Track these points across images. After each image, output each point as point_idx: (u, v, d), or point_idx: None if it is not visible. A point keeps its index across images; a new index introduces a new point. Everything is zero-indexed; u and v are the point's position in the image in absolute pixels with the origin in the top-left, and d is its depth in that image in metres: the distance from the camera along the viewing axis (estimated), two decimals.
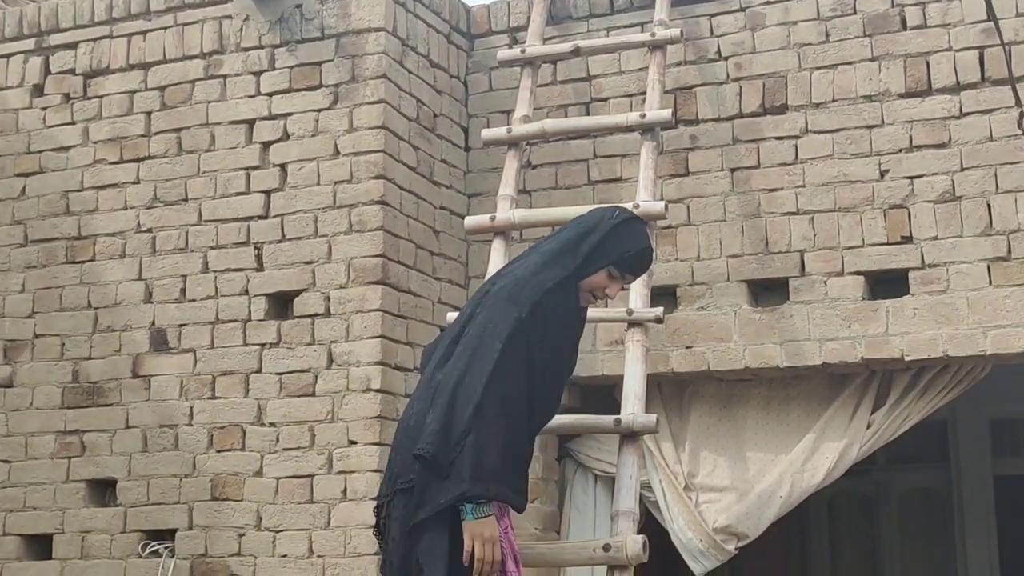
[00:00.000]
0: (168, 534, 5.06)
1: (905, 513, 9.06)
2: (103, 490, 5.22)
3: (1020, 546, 8.88)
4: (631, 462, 4.05)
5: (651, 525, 5.48)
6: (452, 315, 4.70)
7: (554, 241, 3.76)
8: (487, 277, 4.60)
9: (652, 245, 3.91)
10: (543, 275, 3.61)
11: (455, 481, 3.28)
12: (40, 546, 5.25)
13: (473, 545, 3.28)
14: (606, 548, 3.81)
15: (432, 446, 3.27)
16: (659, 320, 4.42)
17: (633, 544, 3.78)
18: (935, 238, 4.87)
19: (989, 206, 4.82)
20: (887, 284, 4.95)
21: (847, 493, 9.19)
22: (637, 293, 4.47)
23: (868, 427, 5.11)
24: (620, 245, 3.72)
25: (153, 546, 5.05)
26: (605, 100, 5.49)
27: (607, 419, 4.09)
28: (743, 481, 5.22)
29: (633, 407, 4.14)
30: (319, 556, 4.80)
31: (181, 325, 5.18)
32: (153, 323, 5.23)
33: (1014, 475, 8.80)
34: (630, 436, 4.09)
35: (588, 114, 5.48)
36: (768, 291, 5.15)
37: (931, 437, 8.83)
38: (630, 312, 4.38)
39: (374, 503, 3.58)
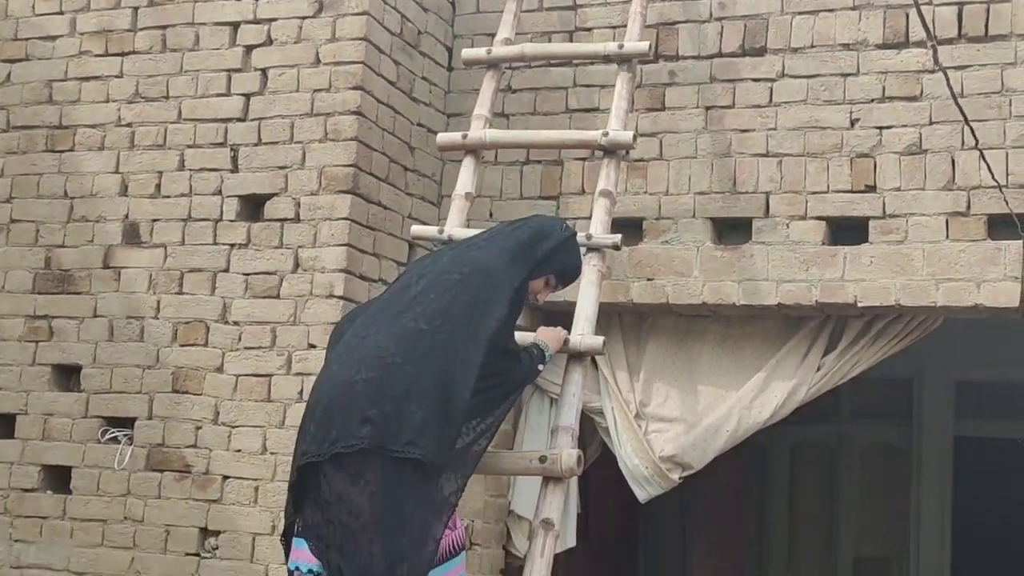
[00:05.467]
0: (128, 422, 5.17)
1: (865, 466, 9.22)
2: (68, 375, 5.34)
3: (973, 505, 9.07)
4: (576, 380, 4.18)
5: (608, 453, 5.63)
6: (417, 228, 4.83)
7: (511, 238, 3.94)
8: (454, 194, 4.70)
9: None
10: (511, 271, 3.81)
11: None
12: (3, 425, 5.38)
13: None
14: (542, 459, 3.94)
15: (432, 452, 3.39)
16: (616, 247, 4.51)
17: (568, 458, 3.91)
18: (898, 189, 4.94)
19: (953, 161, 4.88)
20: (847, 231, 5.03)
21: (810, 442, 9.36)
22: (597, 220, 4.57)
23: (818, 370, 5.21)
24: (565, 258, 4.07)
25: (112, 433, 5.17)
26: (589, 30, 5.53)
27: None
28: (692, 413, 5.33)
29: (583, 328, 4.25)
30: (272, 453, 4.92)
31: (154, 220, 5.27)
32: (127, 216, 5.31)
33: (974, 436, 8.96)
34: (577, 356, 4.21)
35: (571, 42, 5.53)
36: (732, 230, 5.24)
37: (896, 394, 9.00)
38: (589, 237, 4.46)
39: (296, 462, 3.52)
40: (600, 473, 5.99)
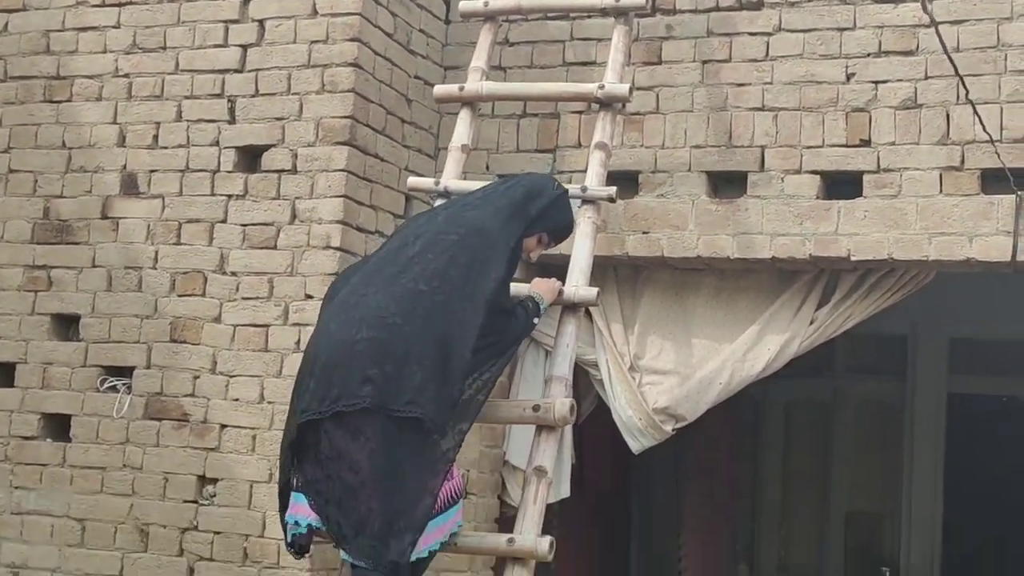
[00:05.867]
0: (126, 371, 5.22)
1: (859, 421, 9.30)
2: (67, 325, 5.37)
3: (965, 460, 9.16)
4: (570, 331, 4.22)
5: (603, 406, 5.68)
6: (414, 180, 4.85)
7: (504, 197, 3.98)
8: (451, 146, 4.72)
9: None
10: (506, 231, 3.86)
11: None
12: (3, 374, 5.42)
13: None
14: (536, 408, 3.99)
15: (431, 412, 3.46)
16: (612, 199, 4.53)
17: (561, 406, 3.96)
18: (893, 143, 4.96)
19: (948, 116, 4.90)
20: (842, 185, 5.06)
21: (804, 398, 9.44)
22: (593, 172, 4.59)
23: (811, 323, 5.25)
24: (558, 215, 4.13)
25: (111, 382, 5.22)
26: None
27: None
28: (686, 366, 5.38)
29: (577, 280, 4.29)
30: (269, 402, 4.97)
31: (152, 171, 5.29)
32: (125, 167, 5.33)
33: (968, 393, 9.03)
34: (571, 307, 4.25)
35: None
36: (727, 183, 5.26)
37: (891, 350, 9.06)
38: (584, 189, 4.49)
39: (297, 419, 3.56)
40: (595, 426, 6.04)
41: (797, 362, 5.48)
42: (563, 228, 4.20)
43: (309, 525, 3.58)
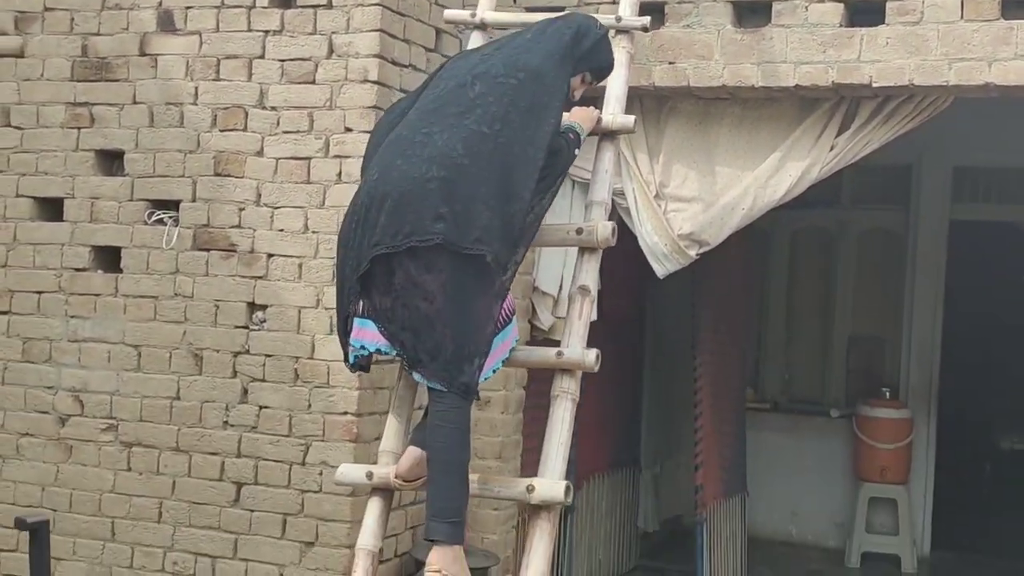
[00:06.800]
0: (173, 204, 5.40)
1: (862, 249, 9.55)
2: (111, 161, 5.53)
3: (964, 284, 9.44)
4: (608, 158, 4.39)
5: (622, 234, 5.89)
6: (451, 12, 4.96)
7: (554, 40, 4.08)
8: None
9: None
10: (560, 74, 4.00)
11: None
12: (52, 209, 5.61)
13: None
14: (579, 231, 4.20)
15: (496, 250, 3.67)
16: (645, 28, 4.67)
17: (603, 229, 4.17)
18: None
19: None
20: (865, 13, 5.17)
21: (810, 228, 9.66)
22: (626, 1, 4.71)
23: (831, 149, 5.43)
24: (600, 57, 4.23)
25: (158, 215, 5.41)
26: None
27: None
28: (710, 193, 5.58)
29: (613, 108, 4.45)
30: (313, 232, 5.16)
31: (187, 7, 5.37)
32: (160, 4, 5.41)
33: (970, 220, 9.26)
34: (609, 135, 4.42)
35: None
36: (752, 13, 5.36)
37: (896, 180, 9.24)
38: (618, 19, 4.62)
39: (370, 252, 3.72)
40: (612, 255, 6.25)
41: (805, 194, 5.65)
42: (606, 68, 4.33)
43: (379, 350, 3.82)
